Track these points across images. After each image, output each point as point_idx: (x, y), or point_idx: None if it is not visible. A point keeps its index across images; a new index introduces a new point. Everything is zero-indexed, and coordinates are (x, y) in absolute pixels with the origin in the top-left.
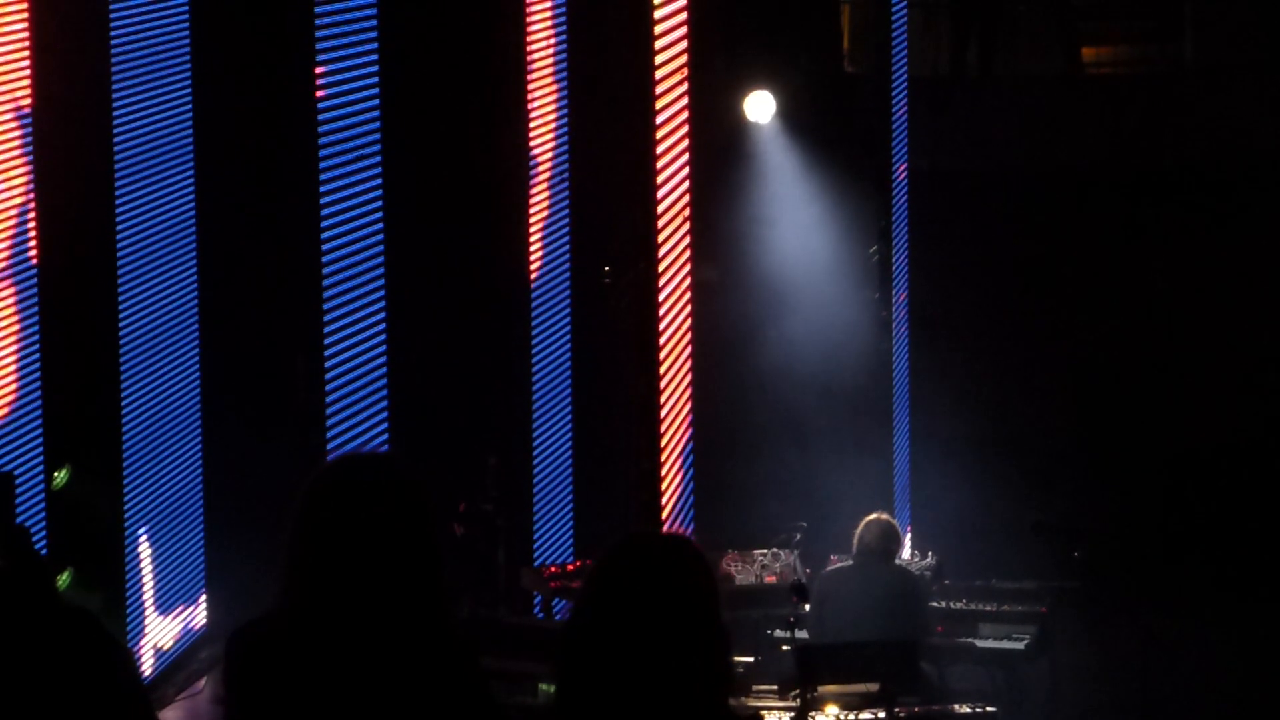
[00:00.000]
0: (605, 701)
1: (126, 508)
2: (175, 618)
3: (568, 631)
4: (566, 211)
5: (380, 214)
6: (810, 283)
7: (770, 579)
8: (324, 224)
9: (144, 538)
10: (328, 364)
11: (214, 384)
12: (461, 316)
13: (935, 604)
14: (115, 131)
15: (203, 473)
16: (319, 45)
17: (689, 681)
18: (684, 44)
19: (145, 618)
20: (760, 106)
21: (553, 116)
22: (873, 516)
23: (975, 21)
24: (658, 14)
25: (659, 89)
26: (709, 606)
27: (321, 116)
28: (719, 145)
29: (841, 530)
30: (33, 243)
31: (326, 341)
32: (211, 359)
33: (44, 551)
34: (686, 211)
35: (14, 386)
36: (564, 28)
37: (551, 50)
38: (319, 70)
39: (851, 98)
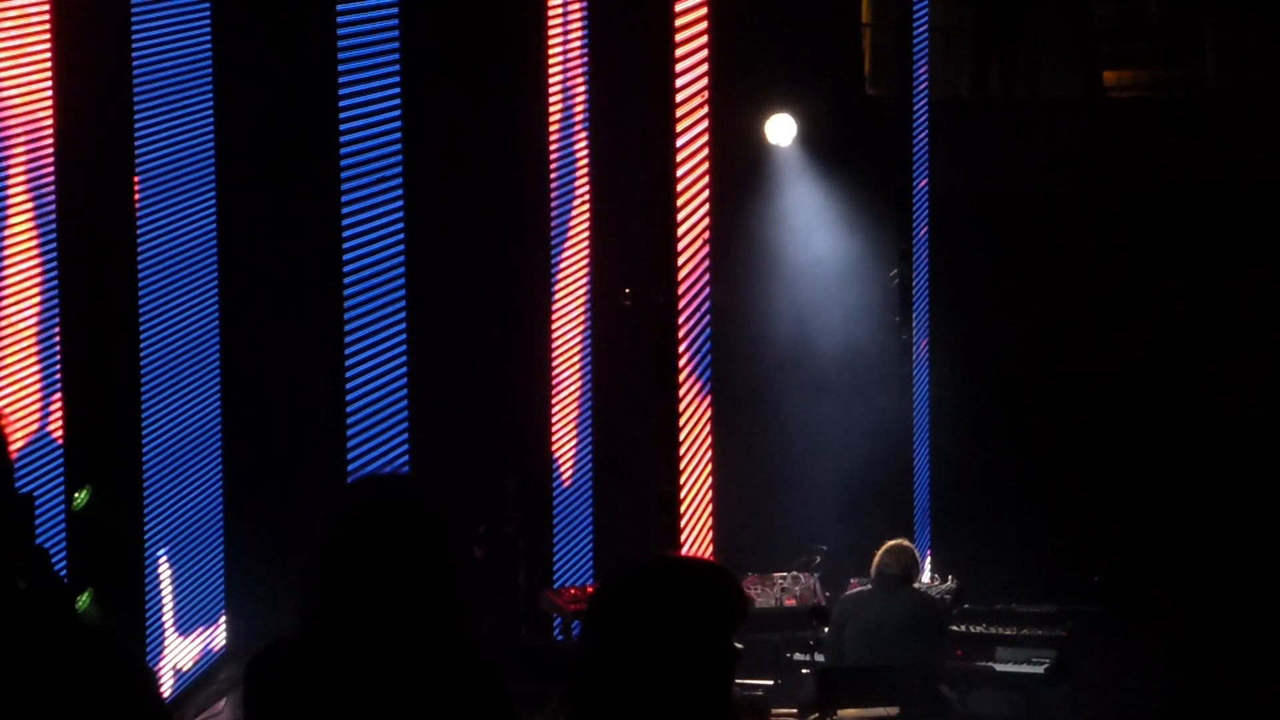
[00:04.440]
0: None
1: (146, 528)
2: (195, 638)
3: (574, 655)
4: (587, 233)
5: (402, 234)
6: (831, 305)
7: (790, 602)
8: (345, 244)
9: (164, 558)
10: (348, 385)
11: (234, 405)
12: (482, 337)
13: (955, 628)
14: (137, 152)
15: (223, 493)
16: (341, 63)
17: (691, 705)
18: (705, 67)
19: (165, 638)
20: (781, 129)
21: (574, 138)
22: (892, 542)
23: (997, 44)
24: (678, 37)
25: (680, 112)
26: (702, 630)
27: (343, 136)
28: (740, 168)
29: (862, 554)
30: (54, 262)
31: (347, 362)
32: (232, 379)
33: (64, 572)
34: (707, 234)
35: (35, 407)
36: (586, 50)
37: (574, 72)
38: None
39: (873, 120)
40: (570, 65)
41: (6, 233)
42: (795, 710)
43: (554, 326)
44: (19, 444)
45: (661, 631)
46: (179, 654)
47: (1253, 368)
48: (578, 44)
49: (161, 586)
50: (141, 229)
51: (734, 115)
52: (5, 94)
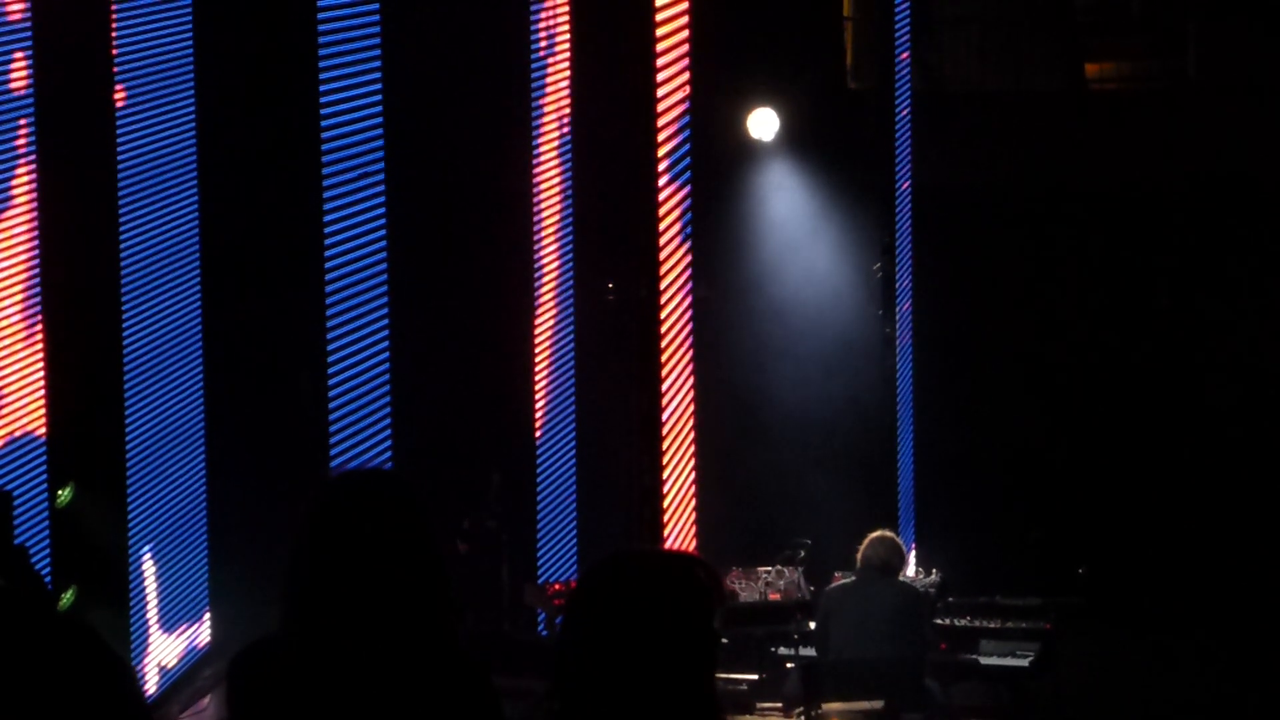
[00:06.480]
0: (596, 714)
1: (130, 526)
2: (179, 636)
3: (557, 648)
4: (570, 228)
5: (384, 231)
6: (814, 299)
7: (774, 596)
8: (327, 241)
9: (148, 556)
10: (331, 381)
11: (217, 402)
12: (465, 332)
13: (939, 621)
14: (119, 150)
15: (206, 490)
16: (322, 63)
17: (675, 694)
18: (686, 61)
19: (149, 636)
20: (763, 123)
21: (556, 133)
22: (876, 533)
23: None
24: (660, 31)
25: (661, 106)
26: (681, 618)
27: (325, 134)
28: (722, 162)
29: (846, 547)
30: (36, 261)
31: (330, 359)
32: (215, 376)
33: (48, 570)
34: (689, 229)
35: (17, 405)
36: (568, 44)
37: (555, 67)
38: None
39: (855, 114)
40: (552, 59)
41: None
42: (780, 705)
43: (537, 321)
44: (1, 442)
45: (640, 621)
46: (163, 651)
47: (1236, 358)
48: (560, 38)
49: (145, 583)
50: (124, 224)
51: (716, 109)
52: None
